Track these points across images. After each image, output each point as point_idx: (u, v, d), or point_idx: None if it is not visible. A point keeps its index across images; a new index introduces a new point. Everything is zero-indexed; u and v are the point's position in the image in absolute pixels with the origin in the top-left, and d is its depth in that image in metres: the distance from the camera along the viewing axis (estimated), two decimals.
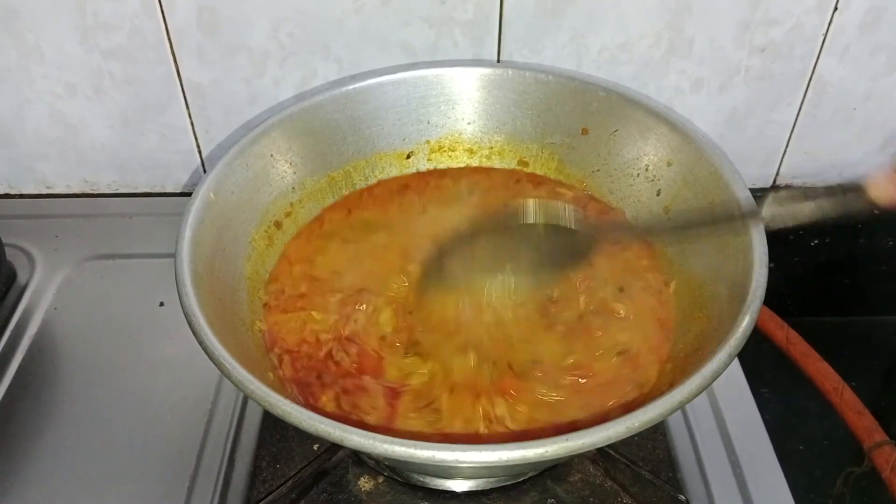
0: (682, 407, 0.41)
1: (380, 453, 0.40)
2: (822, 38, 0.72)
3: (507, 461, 0.39)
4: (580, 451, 0.40)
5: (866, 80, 0.75)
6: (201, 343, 0.45)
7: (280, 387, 0.51)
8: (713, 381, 0.43)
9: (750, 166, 0.82)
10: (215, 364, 0.44)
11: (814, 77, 0.75)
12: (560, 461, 0.57)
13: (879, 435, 0.67)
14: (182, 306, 0.47)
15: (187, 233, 0.52)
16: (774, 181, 0.84)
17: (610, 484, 0.56)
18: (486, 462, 0.39)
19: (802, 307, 0.87)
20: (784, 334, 0.75)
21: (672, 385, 0.44)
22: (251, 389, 0.43)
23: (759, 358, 0.65)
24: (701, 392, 0.42)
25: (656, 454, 0.58)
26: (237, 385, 0.43)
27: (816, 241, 0.87)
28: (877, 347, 0.89)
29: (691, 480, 0.57)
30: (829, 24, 0.71)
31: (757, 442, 0.60)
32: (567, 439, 0.40)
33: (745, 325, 0.45)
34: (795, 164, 0.82)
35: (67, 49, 0.72)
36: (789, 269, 0.86)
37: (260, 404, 0.43)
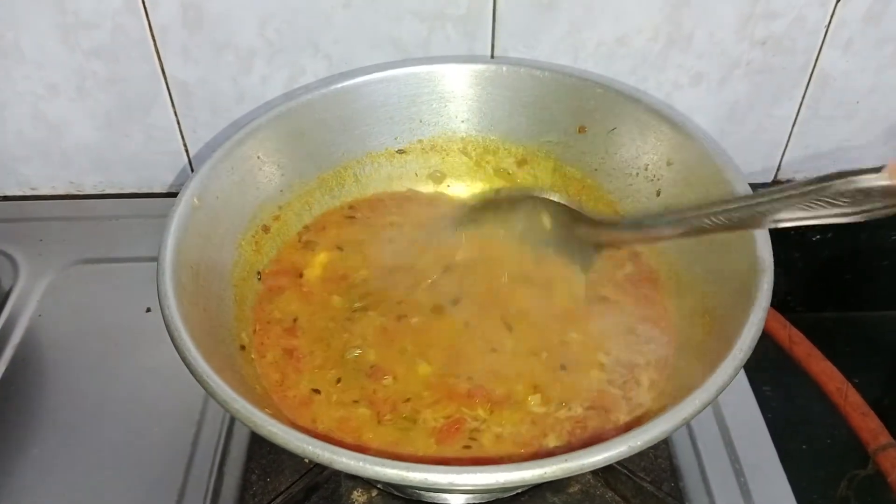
0: (685, 424, 0.40)
1: (370, 476, 0.38)
2: (825, 30, 0.70)
3: (504, 483, 0.38)
4: (580, 472, 0.38)
5: (870, 73, 0.73)
6: (184, 359, 0.44)
7: (268, 400, 0.50)
8: (718, 395, 0.41)
9: (751, 161, 0.80)
10: (198, 381, 0.43)
11: (815, 70, 0.73)
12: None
13: (885, 437, 0.66)
14: (164, 321, 0.45)
15: (170, 242, 0.50)
16: (776, 176, 0.82)
17: (611, 495, 0.54)
18: (482, 485, 0.38)
19: (804, 303, 0.86)
20: (787, 333, 0.74)
21: (675, 398, 0.42)
22: (235, 409, 0.41)
23: (760, 355, 0.63)
24: (705, 408, 0.40)
25: (658, 463, 0.56)
26: (221, 404, 0.42)
27: (818, 237, 0.85)
28: (879, 343, 0.88)
29: (694, 490, 0.56)
30: (832, 16, 0.69)
31: (761, 450, 0.59)
32: (566, 460, 0.38)
33: (751, 336, 0.43)
34: (797, 158, 0.80)
35: (48, 48, 0.70)
36: (791, 264, 0.84)
37: (245, 424, 0.41)
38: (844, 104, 0.76)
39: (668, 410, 0.40)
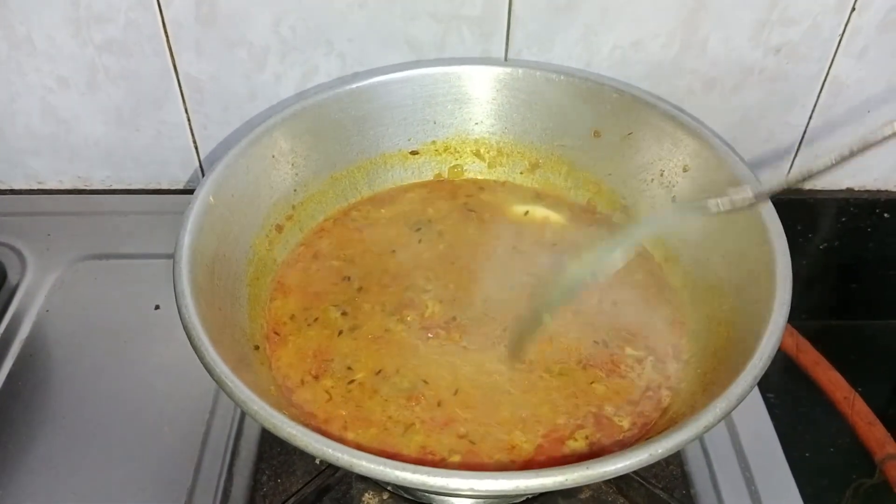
0: (706, 432, 0.40)
1: (391, 480, 0.38)
2: (839, 38, 0.70)
3: (524, 489, 0.38)
4: (601, 480, 0.38)
5: (884, 82, 0.73)
6: (202, 359, 0.43)
7: (283, 401, 0.49)
8: (738, 404, 0.41)
9: (760, 168, 0.80)
10: (217, 382, 0.42)
11: (828, 78, 0.73)
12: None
13: (891, 447, 0.66)
14: (182, 321, 0.45)
15: (186, 240, 0.50)
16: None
17: (622, 502, 0.54)
18: (502, 491, 0.38)
19: (811, 311, 0.86)
20: (794, 342, 0.74)
21: (694, 407, 0.42)
22: (255, 410, 0.41)
23: None
24: (725, 416, 0.40)
25: (669, 470, 0.56)
26: (240, 405, 0.41)
27: (825, 245, 0.85)
28: (886, 352, 0.88)
29: (705, 497, 0.56)
30: (847, 24, 0.69)
31: (772, 457, 0.59)
32: (587, 467, 0.38)
33: (771, 345, 0.43)
34: (806, 166, 0.80)
35: (60, 41, 0.69)
36: (797, 272, 0.84)
37: (264, 425, 0.41)
38: (856, 112, 0.76)
39: (688, 419, 0.40)
